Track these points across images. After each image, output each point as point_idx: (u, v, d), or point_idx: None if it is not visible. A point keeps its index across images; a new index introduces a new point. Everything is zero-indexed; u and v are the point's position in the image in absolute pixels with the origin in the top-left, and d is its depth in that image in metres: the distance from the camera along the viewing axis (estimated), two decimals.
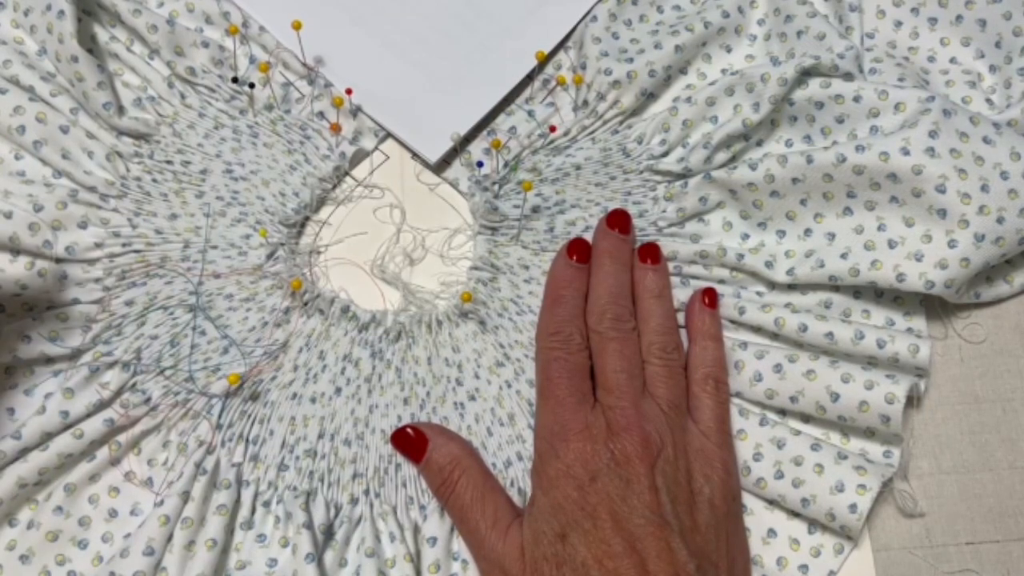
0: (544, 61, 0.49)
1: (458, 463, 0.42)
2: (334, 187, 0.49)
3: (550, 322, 0.43)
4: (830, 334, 0.43)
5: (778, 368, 0.43)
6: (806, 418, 0.44)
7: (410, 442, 0.43)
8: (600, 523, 0.38)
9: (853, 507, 0.41)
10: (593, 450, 0.39)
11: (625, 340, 0.42)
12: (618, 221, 0.45)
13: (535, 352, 0.44)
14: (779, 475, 0.42)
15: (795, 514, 0.43)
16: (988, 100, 0.48)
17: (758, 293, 0.46)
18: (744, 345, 0.44)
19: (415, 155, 0.49)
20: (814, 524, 0.43)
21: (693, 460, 0.41)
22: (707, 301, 0.44)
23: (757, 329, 0.45)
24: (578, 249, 0.44)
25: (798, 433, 0.43)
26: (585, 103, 0.49)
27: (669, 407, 0.41)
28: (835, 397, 0.42)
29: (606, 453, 0.39)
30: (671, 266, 0.46)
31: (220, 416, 0.44)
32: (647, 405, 0.41)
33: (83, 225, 0.46)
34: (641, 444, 0.39)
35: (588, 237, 0.47)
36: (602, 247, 0.45)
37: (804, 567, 0.42)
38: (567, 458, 0.39)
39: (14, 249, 0.46)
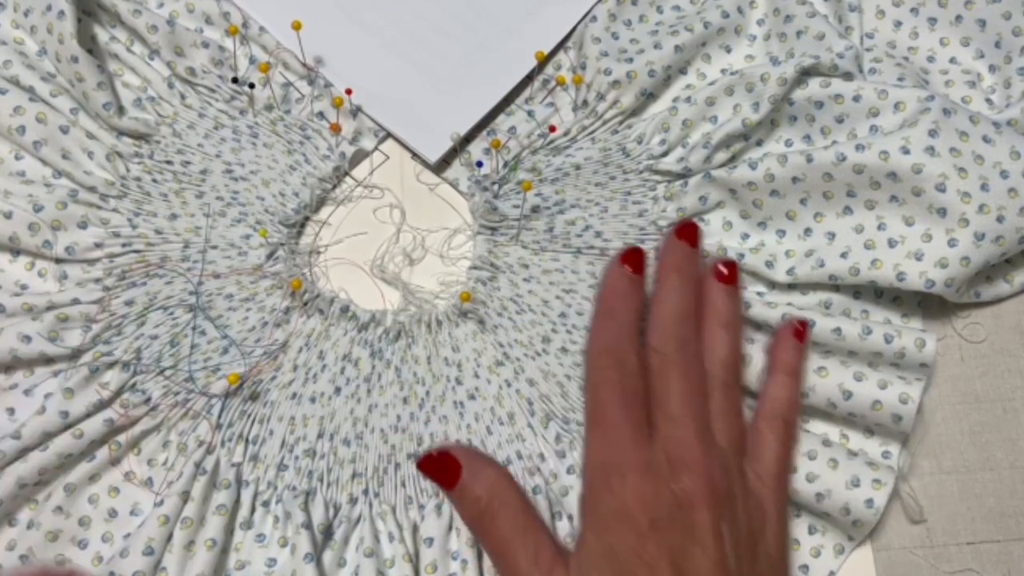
0: (544, 61, 0.49)
1: (497, 494, 0.37)
2: (334, 187, 0.49)
3: (601, 339, 0.39)
4: (838, 329, 0.42)
5: None
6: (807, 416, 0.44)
7: (438, 467, 0.38)
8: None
9: (870, 502, 0.41)
10: (654, 491, 0.35)
11: (691, 365, 0.38)
12: (687, 233, 0.41)
13: (583, 371, 0.41)
14: (792, 469, 0.42)
15: (796, 514, 0.43)
16: (988, 100, 0.48)
17: (758, 293, 0.46)
18: (752, 340, 0.44)
19: (415, 155, 0.49)
20: (814, 524, 0.43)
21: (752, 508, 0.38)
22: (798, 333, 0.41)
23: (759, 327, 0.45)
24: (633, 258, 0.40)
25: (807, 429, 0.43)
26: (585, 103, 0.49)
27: (729, 446, 0.38)
28: (847, 395, 0.42)
29: (668, 495, 0.35)
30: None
31: (220, 416, 0.44)
32: (710, 438, 0.37)
33: (83, 225, 0.46)
34: (707, 486, 0.35)
35: (588, 237, 0.47)
36: (669, 260, 0.41)
37: (804, 567, 0.42)
38: (623, 496, 0.35)
39: (14, 249, 0.46)
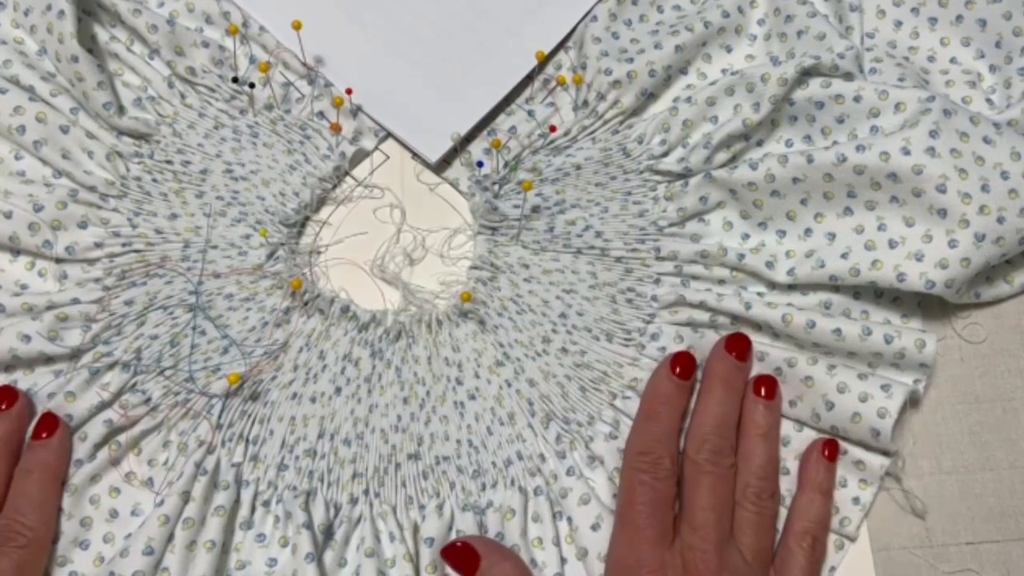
0: (544, 61, 0.49)
1: None
2: (334, 187, 0.49)
3: (641, 440, 0.41)
4: (838, 330, 0.43)
5: (778, 372, 0.43)
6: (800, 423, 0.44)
7: (459, 557, 0.40)
8: None
9: (856, 500, 0.42)
10: None
11: (720, 477, 0.40)
12: (737, 345, 0.43)
13: (621, 466, 0.42)
14: (785, 471, 0.43)
15: None
16: (988, 100, 0.48)
17: (759, 294, 0.46)
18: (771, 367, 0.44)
19: (415, 155, 0.49)
20: None
21: None
22: (827, 453, 0.42)
23: (758, 327, 0.45)
24: (683, 363, 0.42)
25: (801, 429, 0.43)
26: (585, 103, 0.49)
27: (754, 558, 0.40)
28: (830, 406, 0.42)
29: None
30: (671, 266, 0.46)
31: (220, 416, 0.44)
32: (730, 552, 0.39)
33: (83, 225, 0.46)
34: None
35: (588, 237, 0.47)
36: (716, 371, 0.43)
37: None
38: None
39: (14, 249, 0.46)
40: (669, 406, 0.42)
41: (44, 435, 0.41)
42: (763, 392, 0.43)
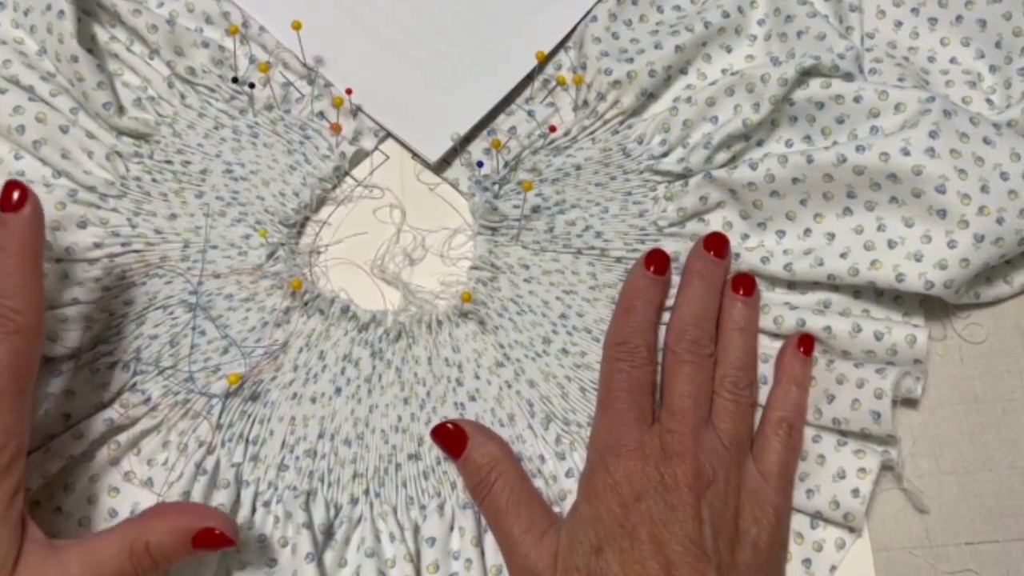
0: (544, 61, 0.49)
1: (496, 464, 0.41)
2: (334, 187, 0.49)
3: (618, 331, 0.43)
4: (828, 328, 0.43)
5: None
6: None
7: (450, 437, 0.42)
8: (638, 543, 0.38)
9: (856, 491, 0.42)
10: (643, 470, 0.39)
11: (699, 366, 0.42)
12: (714, 244, 0.45)
13: (601, 360, 0.44)
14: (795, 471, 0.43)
15: (798, 508, 0.43)
16: (988, 100, 0.48)
17: None
18: (765, 359, 0.45)
19: (415, 155, 0.49)
20: (816, 518, 0.43)
21: (745, 500, 0.40)
22: (803, 348, 0.43)
23: (761, 328, 0.45)
24: (656, 260, 0.44)
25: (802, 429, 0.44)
26: (585, 103, 0.49)
27: (730, 442, 0.41)
28: (831, 399, 0.42)
29: (656, 475, 0.39)
30: (671, 267, 0.46)
31: (220, 416, 0.44)
32: (707, 436, 0.40)
33: (83, 225, 0.46)
34: (693, 473, 0.39)
35: (588, 237, 0.47)
36: (694, 267, 0.44)
37: (807, 561, 0.42)
38: (616, 473, 0.39)
39: None
40: (644, 299, 0.43)
41: (13, 205, 0.36)
42: (741, 291, 0.44)
